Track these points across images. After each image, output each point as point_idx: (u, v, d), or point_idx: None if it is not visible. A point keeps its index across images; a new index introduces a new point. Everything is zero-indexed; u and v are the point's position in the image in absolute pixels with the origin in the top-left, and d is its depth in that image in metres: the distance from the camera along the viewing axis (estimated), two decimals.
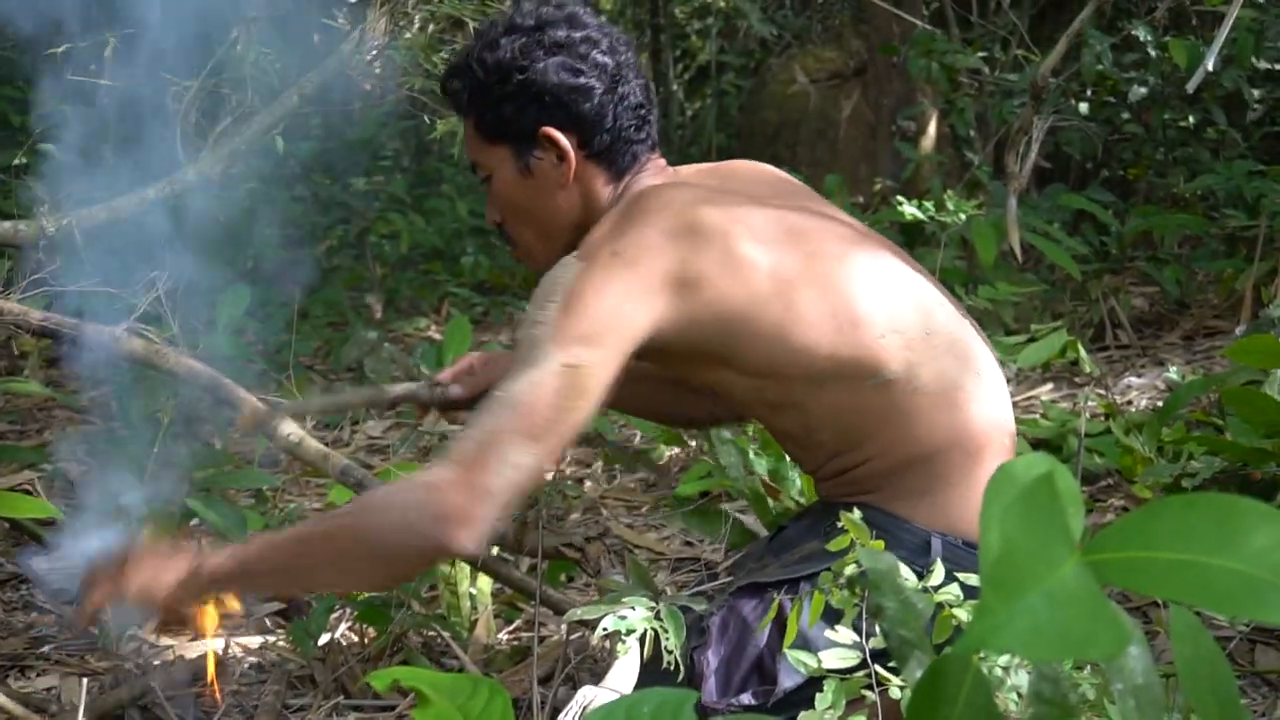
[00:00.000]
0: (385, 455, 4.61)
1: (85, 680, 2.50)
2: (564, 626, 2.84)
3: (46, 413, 5.02)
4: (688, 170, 2.31)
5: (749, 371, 2.07)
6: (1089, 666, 1.82)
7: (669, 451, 4.38)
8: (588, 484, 4.19)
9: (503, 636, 3.01)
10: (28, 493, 3.60)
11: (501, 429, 1.88)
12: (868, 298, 2.08)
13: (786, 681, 1.96)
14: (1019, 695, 1.55)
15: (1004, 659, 1.65)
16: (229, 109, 3.62)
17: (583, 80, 2.14)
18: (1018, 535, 0.96)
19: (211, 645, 2.72)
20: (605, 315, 1.95)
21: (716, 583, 2.46)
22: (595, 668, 2.60)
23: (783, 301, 2.03)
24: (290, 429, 2.79)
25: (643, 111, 2.20)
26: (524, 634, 3.03)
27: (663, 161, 2.25)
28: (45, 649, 2.98)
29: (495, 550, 2.79)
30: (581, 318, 1.94)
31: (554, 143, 2.15)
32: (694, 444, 4.27)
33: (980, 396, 2.11)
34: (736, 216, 2.07)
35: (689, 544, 3.66)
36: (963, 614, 1.76)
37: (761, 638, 2.01)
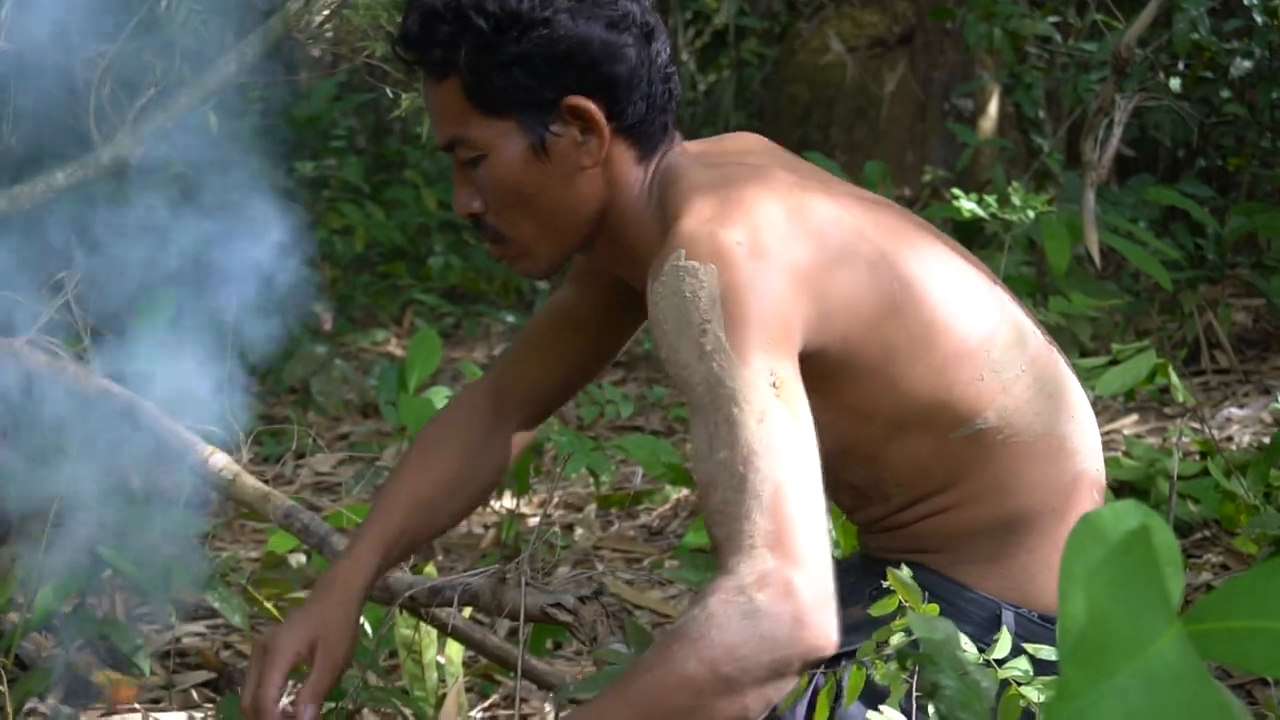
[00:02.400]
0: (335, 494, 4.61)
1: None
2: (551, 704, 2.83)
3: None
4: (693, 147, 2.22)
5: (829, 407, 1.99)
6: None
7: (676, 493, 4.38)
8: (579, 532, 4.19)
9: (476, 715, 3.01)
10: None
11: (776, 481, 1.81)
12: (968, 328, 2.05)
13: None
14: None
15: None
16: (152, 79, 3.62)
17: (617, 35, 2.03)
18: (1106, 601, 0.95)
19: None
20: (773, 316, 1.89)
21: None
22: None
23: (893, 325, 2.00)
24: (222, 462, 2.79)
25: (670, 72, 2.10)
26: (502, 712, 3.03)
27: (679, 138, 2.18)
28: None
29: (467, 612, 2.79)
30: (754, 325, 1.87)
31: (581, 115, 2.04)
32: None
33: (1073, 446, 2.10)
34: (840, 211, 2.03)
35: None
36: (1033, 694, 1.76)
37: None
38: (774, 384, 1.85)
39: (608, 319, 2.43)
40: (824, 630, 1.76)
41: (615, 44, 2.03)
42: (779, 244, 1.92)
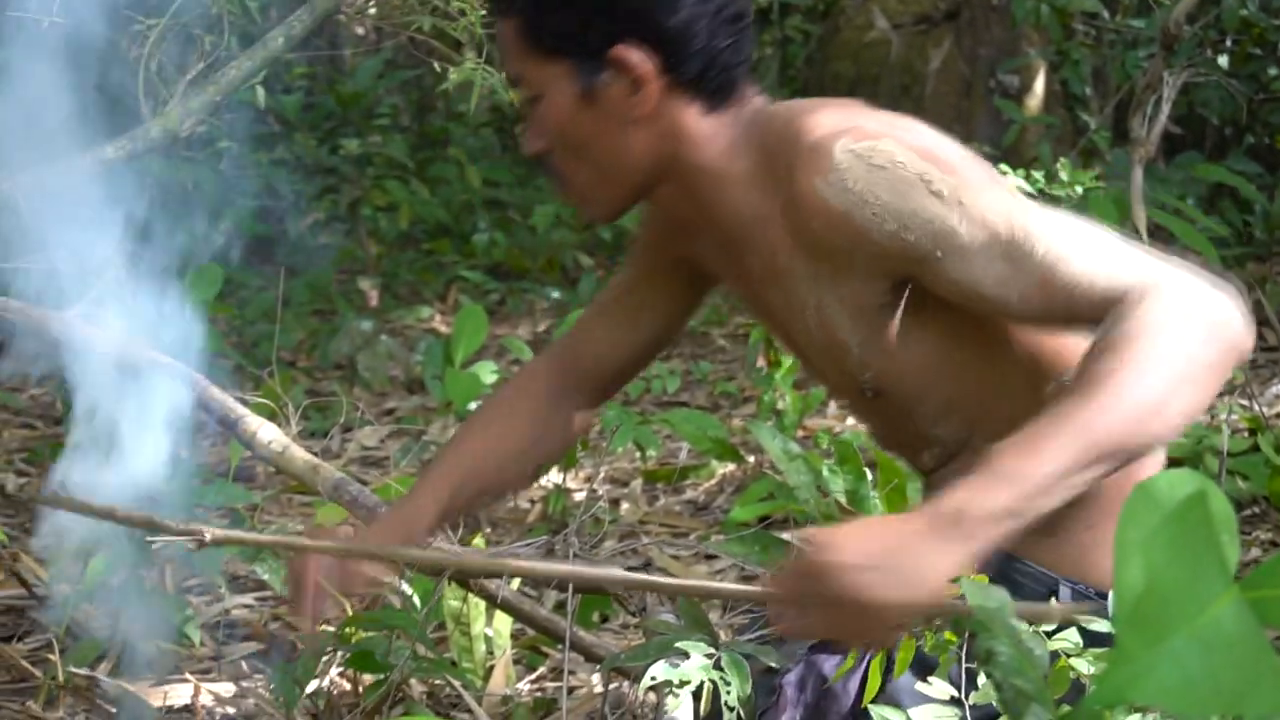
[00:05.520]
0: (382, 469, 4.63)
1: None
2: (598, 676, 2.84)
3: None
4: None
5: (963, 362, 2.06)
6: None
7: (722, 468, 4.39)
8: (625, 506, 4.20)
9: (524, 686, 3.02)
10: None
11: (1107, 248, 1.87)
12: None
13: None
14: None
15: (1133, 718, 1.65)
16: (200, 54, 3.63)
17: None
18: (1162, 566, 0.95)
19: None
20: (963, 156, 1.95)
21: None
22: None
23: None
24: (272, 434, 2.81)
25: (740, 26, 2.06)
26: (550, 684, 3.03)
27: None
28: None
29: (515, 584, 2.79)
30: (961, 165, 1.92)
31: (628, 67, 2.02)
32: (752, 460, 4.27)
33: None
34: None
35: (747, 579, 3.66)
36: (1083, 665, 1.75)
37: (846, 700, 2.00)
38: (1013, 191, 1.92)
39: (671, 298, 2.42)
40: (1247, 321, 1.80)
41: None
42: (907, 126, 1.98)
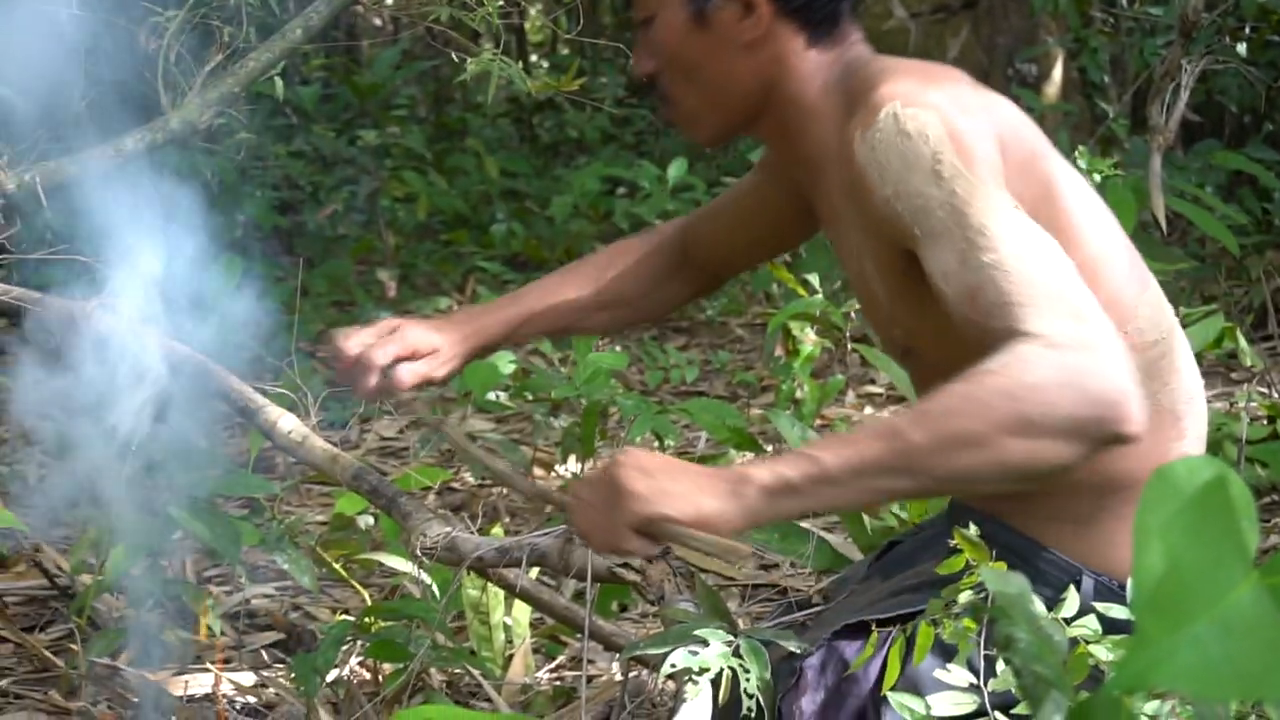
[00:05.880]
0: (401, 459, 4.64)
1: None
2: (617, 664, 2.84)
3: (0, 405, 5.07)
4: None
5: None
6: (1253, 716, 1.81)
7: (739, 458, 4.38)
8: None
9: (543, 675, 3.03)
10: None
11: (1046, 274, 1.82)
12: (1125, 278, 2.07)
13: None
14: None
15: (1151, 705, 1.65)
16: (219, 46, 3.63)
17: None
18: (1182, 551, 0.95)
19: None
20: (993, 159, 1.92)
21: (806, 611, 2.45)
22: (654, 713, 2.60)
23: (1085, 229, 2.03)
24: (291, 424, 2.81)
25: None
26: (568, 673, 3.04)
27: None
28: (2, 683, 3.01)
29: (534, 574, 2.80)
30: (982, 161, 1.90)
31: None
32: (771, 449, 4.27)
33: (1184, 427, 2.10)
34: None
35: (765, 568, 3.66)
36: (1101, 652, 1.75)
37: (866, 684, 2.01)
38: (1015, 206, 1.88)
39: (787, 211, 2.45)
40: (1136, 413, 1.71)
41: None
42: (981, 110, 1.97)
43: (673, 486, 1.82)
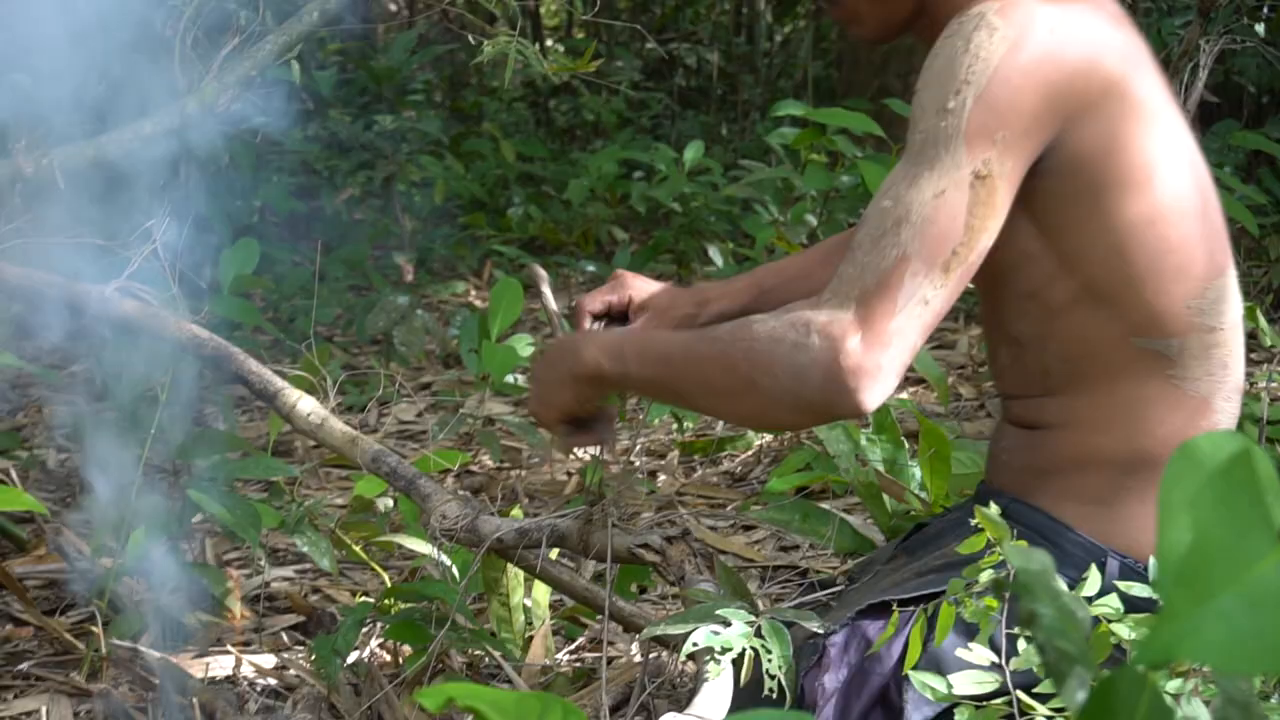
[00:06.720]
0: (420, 442, 4.64)
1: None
2: (637, 645, 2.84)
3: (20, 390, 5.09)
4: None
5: (1042, 233, 1.99)
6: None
7: (758, 440, 4.38)
8: (661, 478, 4.20)
9: (563, 656, 3.03)
10: (1, 483, 3.64)
11: (905, 255, 1.83)
12: (1198, 252, 2.03)
13: (915, 716, 1.95)
14: None
15: (1174, 684, 1.64)
16: (236, 29, 3.63)
17: None
18: (1207, 525, 0.95)
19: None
20: (1026, 114, 1.87)
21: (828, 591, 2.45)
22: (674, 694, 2.60)
23: (1136, 198, 1.98)
24: (310, 407, 2.81)
25: None
26: (588, 654, 3.04)
27: None
28: (24, 666, 3.02)
29: (555, 554, 2.80)
30: (1003, 113, 1.86)
31: None
32: (789, 432, 4.26)
33: (1218, 419, 2.07)
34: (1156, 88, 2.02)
35: (784, 549, 3.66)
36: (1124, 630, 1.75)
37: (889, 663, 2.01)
38: (979, 175, 1.85)
39: None
40: (856, 401, 1.83)
41: None
42: (1070, 44, 1.91)
43: (548, 385, 2.19)
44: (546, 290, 2.68)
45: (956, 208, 1.84)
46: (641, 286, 2.51)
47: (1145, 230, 1.96)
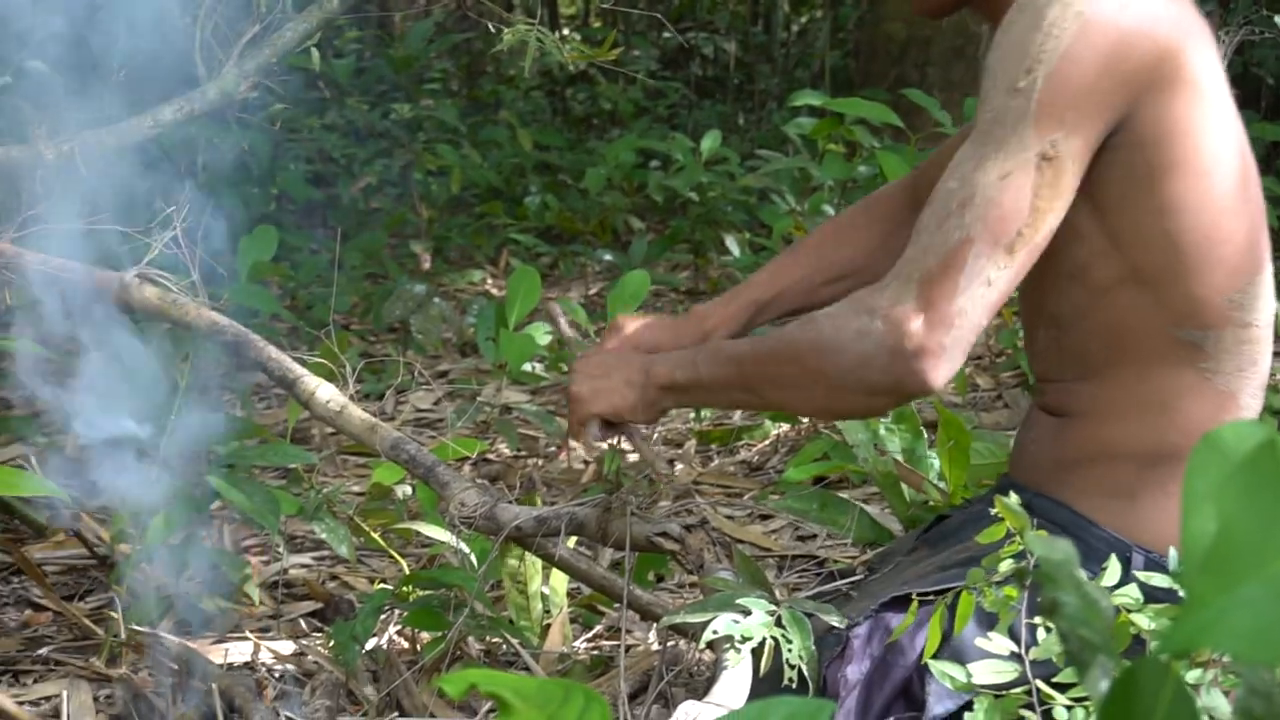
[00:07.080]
0: (437, 430, 4.65)
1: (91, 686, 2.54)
2: (655, 633, 2.85)
3: (39, 375, 5.09)
4: None
5: (1092, 210, 1.98)
6: None
7: (775, 429, 4.38)
8: (679, 467, 4.21)
9: (580, 644, 3.03)
10: (20, 468, 3.65)
11: (969, 236, 1.84)
12: (1243, 247, 2.03)
13: (937, 708, 1.95)
14: None
15: (1193, 675, 1.64)
16: (255, 16, 3.63)
17: None
18: (1233, 513, 0.95)
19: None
20: (1096, 94, 1.87)
21: (847, 580, 2.45)
22: (691, 683, 2.61)
23: (1215, 182, 1.98)
24: (329, 394, 2.81)
25: None
26: (606, 642, 3.04)
27: None
28: (43, 651, 3.03)
29: (572, 541, 2.80)
30: (1072, 93, 1.85)
31: None
32: (805, 421, 4.27)
33: (1243, 415, 2.07)
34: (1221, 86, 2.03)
35: (801, 539, 3.66)
36: (1144, 621, 1.75)
37: (912, 654, 2.01)
38: (1045, 156, 1.85)
39: None
40: (925, 381, 1.87)
41: None
42: (1154, 21, 1.91)
43: (604, 384, 2.22)
44: (564, 324, 2.73)
45: (1022, 189, 1.85)
46: (638, 329, 2.48)
47: (1197, 217, 1.96)
